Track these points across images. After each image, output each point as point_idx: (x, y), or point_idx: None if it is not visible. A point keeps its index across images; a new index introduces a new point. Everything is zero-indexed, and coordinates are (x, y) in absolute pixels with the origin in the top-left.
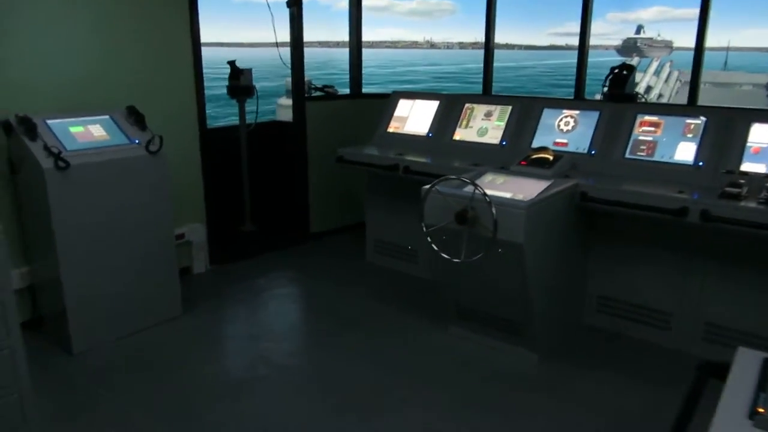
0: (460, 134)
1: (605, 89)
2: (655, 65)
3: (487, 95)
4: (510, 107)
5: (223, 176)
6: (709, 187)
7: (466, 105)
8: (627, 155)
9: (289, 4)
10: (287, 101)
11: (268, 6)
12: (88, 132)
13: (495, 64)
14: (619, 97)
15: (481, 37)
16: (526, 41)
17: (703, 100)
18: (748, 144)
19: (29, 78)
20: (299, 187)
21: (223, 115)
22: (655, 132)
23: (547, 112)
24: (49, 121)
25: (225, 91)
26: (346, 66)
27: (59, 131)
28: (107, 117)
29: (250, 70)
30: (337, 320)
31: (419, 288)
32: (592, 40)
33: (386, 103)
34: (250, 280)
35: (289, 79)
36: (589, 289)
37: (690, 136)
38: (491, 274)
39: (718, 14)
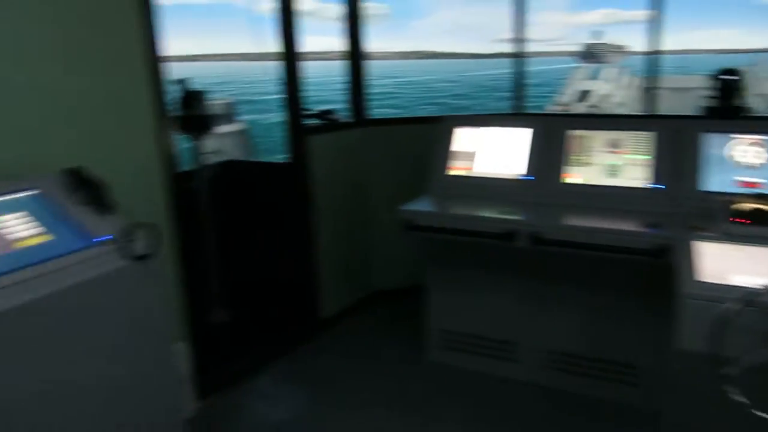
0: (573, 175)
1: (707, 104)
2: (615, 71)
3: (599, 117)
4: (655, 133)
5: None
6: None
7: (567, 133)
8: None
9: None
10: (229, 128)
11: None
12: None
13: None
14: (730, 111)
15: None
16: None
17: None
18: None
19: None
20: (301, 252)
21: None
22: None
23: (708, 139)
24: None
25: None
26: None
27: None
28: (33, 194)
29: (202, 93)
30: None
31: (542, 407)
32: (542, 47)
33: (430, 131)
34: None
35: (223, 102)
36: None
37: None
38: None
39: (669, 17)
